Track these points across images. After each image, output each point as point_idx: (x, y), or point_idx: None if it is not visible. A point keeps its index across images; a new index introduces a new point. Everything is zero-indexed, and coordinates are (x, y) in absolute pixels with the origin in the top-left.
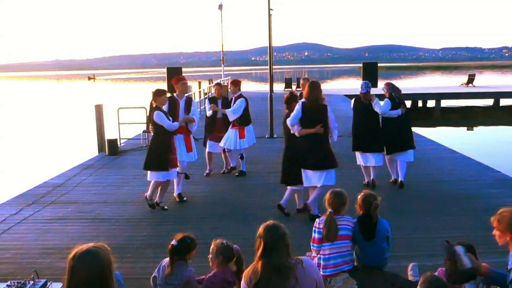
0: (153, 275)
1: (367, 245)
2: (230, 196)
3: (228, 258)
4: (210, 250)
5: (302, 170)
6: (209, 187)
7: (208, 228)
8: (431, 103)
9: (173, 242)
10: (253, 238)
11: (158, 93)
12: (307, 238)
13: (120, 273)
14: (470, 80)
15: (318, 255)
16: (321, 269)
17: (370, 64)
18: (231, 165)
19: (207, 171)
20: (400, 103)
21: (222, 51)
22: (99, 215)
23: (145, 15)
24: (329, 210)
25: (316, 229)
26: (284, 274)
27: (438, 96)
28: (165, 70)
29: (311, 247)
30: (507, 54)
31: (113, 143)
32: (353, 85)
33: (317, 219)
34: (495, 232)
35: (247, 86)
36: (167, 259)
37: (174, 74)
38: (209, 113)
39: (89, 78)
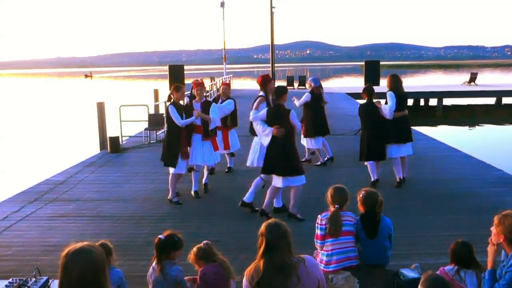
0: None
1: (370, 243)
2: (232, 194)
3: (205, 258)
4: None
5: (389, 145)
6: (211, 185)
7: (209, 226)
8: (433, 102)
9: (161, 236)
10: (255, 236)
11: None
12: (309, 236)
13: (121, 270)
14: (472, 78)
15: (322, 251)
16: (324, 265)
17: (372, 62)
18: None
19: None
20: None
21: (224, 49)
22: (101, 213)
23: (147, 13)
24: (336, 206)
25: (319, 226)
26: (286, 272)
27: (440, 95)
28: (167, 68)
29: (315, 243)
30: (509, 53)
31: (115, 140)
32: (355, 83)
33: (319, 216)
34: (493, 229)
35: (248, 84)
36: (154, 264)
37: (176, 72)
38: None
39: (86, 76)
